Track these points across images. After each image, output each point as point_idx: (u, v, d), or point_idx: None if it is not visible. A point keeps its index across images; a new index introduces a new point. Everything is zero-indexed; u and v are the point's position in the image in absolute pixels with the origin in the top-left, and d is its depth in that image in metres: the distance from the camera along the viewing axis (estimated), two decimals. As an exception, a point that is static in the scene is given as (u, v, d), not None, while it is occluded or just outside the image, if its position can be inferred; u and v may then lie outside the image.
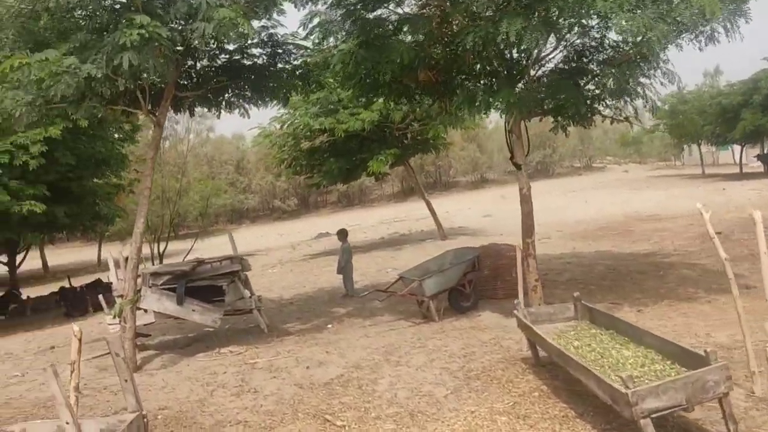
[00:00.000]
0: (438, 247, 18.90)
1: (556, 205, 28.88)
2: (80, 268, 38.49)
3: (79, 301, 18.52)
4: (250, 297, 10.06)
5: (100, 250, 37.34)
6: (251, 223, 55.19)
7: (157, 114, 9.04)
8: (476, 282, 10.25)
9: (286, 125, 18.97)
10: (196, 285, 9.54)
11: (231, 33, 7.47)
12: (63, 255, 44.08)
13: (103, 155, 19.07)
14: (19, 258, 23.78)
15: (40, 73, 7.07)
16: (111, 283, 22.42)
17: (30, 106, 8.35)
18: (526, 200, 9.42)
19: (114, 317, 8.92)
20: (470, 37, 7.86)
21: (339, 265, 13.02)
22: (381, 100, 11.37)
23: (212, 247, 28.43)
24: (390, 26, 9.56)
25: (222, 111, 10.20)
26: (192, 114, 10.32)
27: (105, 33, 7.76)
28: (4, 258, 23.56)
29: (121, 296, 9.10)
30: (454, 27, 9.04)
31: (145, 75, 8.04)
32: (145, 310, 9.35)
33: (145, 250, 27.72)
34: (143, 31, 6.99)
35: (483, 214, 30.36)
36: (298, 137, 19.03)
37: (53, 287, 26.32)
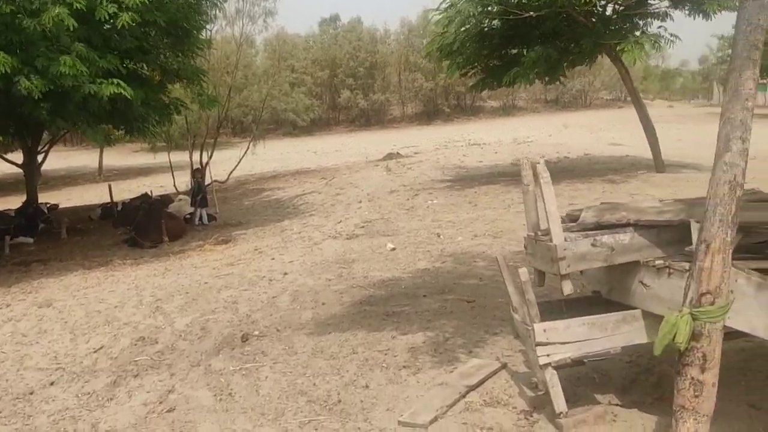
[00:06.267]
0: (659, 184, 13.14)
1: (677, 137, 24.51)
2: (77, 175, 32.28)
3: (152, 225, 13.06)
4: None
5: (101, 155, 31.39)
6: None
7: None
8: None
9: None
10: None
11: None
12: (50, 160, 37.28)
13: (190, 23, 13.31)
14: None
15: None
16: (162, 197, 16.26)
17: None
18: None
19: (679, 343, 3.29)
20: None
21: None
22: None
23: (224, 162, 23.03)
24: None
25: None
26: None
27: None
28: (18, 157, 17.57)
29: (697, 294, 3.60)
30: None
31: None
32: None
33: (178, 157, 21.97)
34: None
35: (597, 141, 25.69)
36: (470, 15, 12.95)
37: (56, 197, 20.14)
